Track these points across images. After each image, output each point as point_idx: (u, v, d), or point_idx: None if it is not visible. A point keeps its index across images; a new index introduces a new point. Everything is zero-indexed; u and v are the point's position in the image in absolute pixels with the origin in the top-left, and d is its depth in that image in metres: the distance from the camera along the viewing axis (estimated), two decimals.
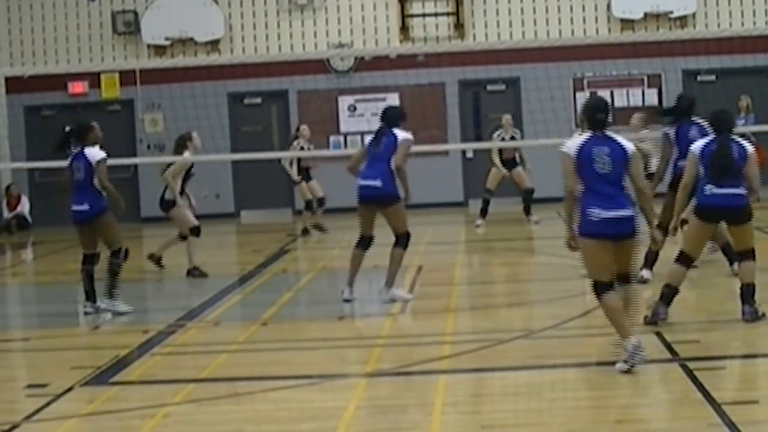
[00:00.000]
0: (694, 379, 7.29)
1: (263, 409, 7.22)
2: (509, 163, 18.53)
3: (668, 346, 8.37)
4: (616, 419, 6.56)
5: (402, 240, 10.92)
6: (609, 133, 7.82)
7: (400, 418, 6.91)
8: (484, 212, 18.68)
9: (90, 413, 7.30)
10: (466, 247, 17.15)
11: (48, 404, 7.50)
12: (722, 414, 6.44)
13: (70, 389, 7.89)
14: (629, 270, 7.85)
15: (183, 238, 14.07)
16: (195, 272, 13.81)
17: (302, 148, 18.17)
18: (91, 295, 11.10)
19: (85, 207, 10.92)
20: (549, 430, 6.45)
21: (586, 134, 7.82)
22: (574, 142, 7.83)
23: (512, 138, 18.44)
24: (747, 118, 20.37)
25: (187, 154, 14.01)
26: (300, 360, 8.80)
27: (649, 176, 11.14)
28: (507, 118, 18.57)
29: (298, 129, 18.71)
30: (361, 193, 10.94)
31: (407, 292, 11.36)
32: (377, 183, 10.82)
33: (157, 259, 14.49)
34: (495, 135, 18.54)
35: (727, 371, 7.65)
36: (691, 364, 7.69)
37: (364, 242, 11.08)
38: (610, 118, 7.88)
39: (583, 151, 7.72)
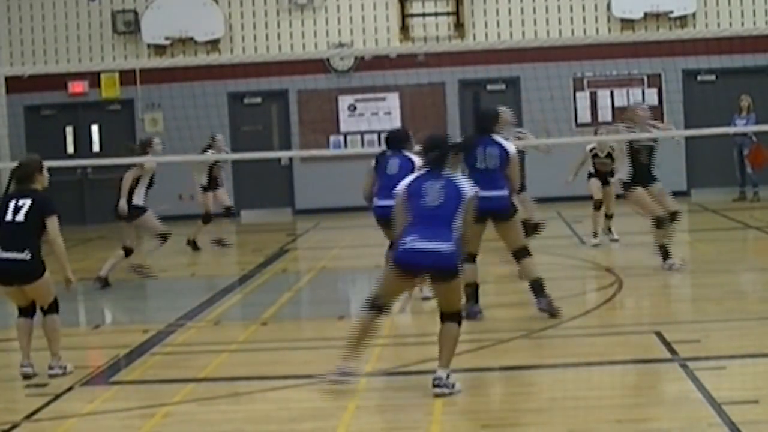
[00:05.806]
0: (695, 379, 7.30)
1: (263, 409, 7.22)
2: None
3: (668, 346, 8.38)
4: (616, 419, 6.56)
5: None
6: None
7: (400, 418, 6.91)
8: None
9: (90, 413, 7.29)
10: None
11: (48, 404, 7.50)
12: (722, 414, 6.44)
13: (70, 389, 7.89)
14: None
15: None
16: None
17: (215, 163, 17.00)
18: None
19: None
20: (549, 430, 6.45)
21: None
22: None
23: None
24: (748, 117, 20.41)
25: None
26: (300, 360, 8.80)
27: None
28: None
29: (213, 138, 17.21)
30: None
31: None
32: None
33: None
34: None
35: (727, 371, 7.65)
36: (691, 364, 7.69)
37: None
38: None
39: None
